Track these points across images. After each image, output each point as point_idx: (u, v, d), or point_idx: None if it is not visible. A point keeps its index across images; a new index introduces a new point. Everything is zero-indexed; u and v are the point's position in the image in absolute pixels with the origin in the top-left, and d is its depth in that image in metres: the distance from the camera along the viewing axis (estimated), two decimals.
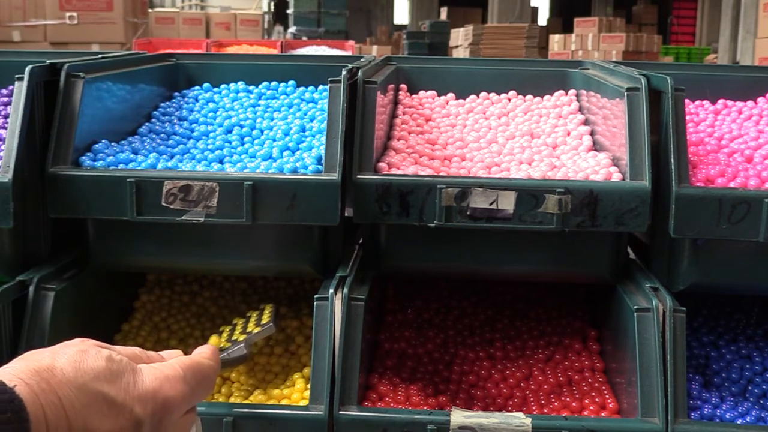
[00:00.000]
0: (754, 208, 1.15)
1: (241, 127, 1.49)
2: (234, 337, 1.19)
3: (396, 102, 1.65)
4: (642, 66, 1.55)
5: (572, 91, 1.67)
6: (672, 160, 1.19)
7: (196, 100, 1.64)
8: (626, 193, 1.18)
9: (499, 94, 1.72)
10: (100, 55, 1.54)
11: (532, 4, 14.09)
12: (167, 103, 1.62)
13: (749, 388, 1.27)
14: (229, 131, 1.48)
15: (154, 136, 1.46)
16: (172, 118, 1.54)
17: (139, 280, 1.56)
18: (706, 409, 1.21)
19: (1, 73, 1.47)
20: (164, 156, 1.35)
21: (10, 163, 1.17)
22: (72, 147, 1.24)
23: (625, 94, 1.28)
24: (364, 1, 21.07)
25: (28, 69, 1.22)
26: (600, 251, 1.28)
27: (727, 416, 1.20)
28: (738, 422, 1.19)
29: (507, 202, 1.17)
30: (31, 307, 1.19)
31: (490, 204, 1.17)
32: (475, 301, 1.54)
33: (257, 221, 1.18)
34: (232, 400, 1.27)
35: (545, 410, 1.25)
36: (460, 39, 11.54)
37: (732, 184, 1.23)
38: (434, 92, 1.73)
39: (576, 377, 1.33)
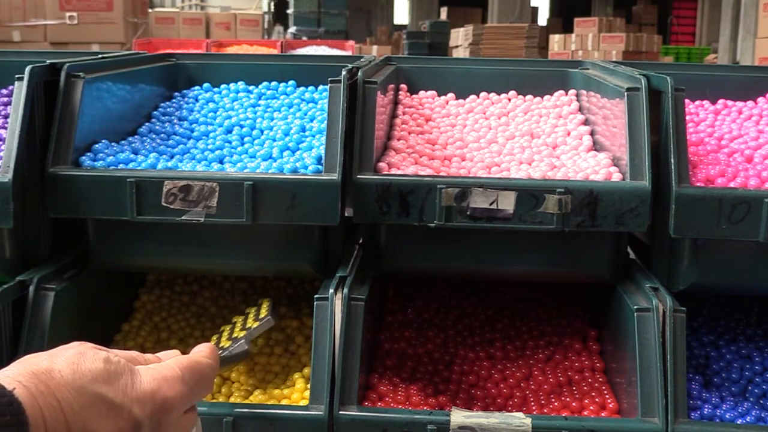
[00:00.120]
0: (754, 208, 1.15)
1: (241, 127, 1.49)
2: (234, 335, 1.19)
3: (396, 102, 1.65)
4: (642, 66, 1.55)
5: (572, 91, 1.67)
6: (672, 160, 1.19)
7: (196, 100, 1.64)
8: (626, 193, 1.18)
9: (499, 94, 1.72)
10: (100, 55, 1.54)
11: (532, 4, 14.09)
12: (167, 103, 1.62)
13: (749, 388, 1.27)
14: (229, 131, 1.48)
15: (154, 136, 1.46)
16: (172, 118, 1.54)
17: (139, 280, 1.56)
18: (706, 409, 1.21)
19: (1, 73, 1.47)
20: (164, 156, 1.35)
21: (10, 163, 1.17)
22: (72, 147, 1.24)
23: (625, 94, 1.28)
24: (364, 1, 21.06)
25: (28, 69, 1.22)
26: (600, 251, 1.28)
27: (727, 416, 1.20)
28: (738, 422, 1.19)
29: (507, 202, 1.17)
30: (31, 307, 1.19)
31: (490, 204, 1.17)
32: (475, 301, 1.54)
33: (257, 221, 1.18)
34: (232, 400, 1.27)
35: (545, 410, 1.25)
36: (460, 39, 11.54)
37: (732, 184, 1.23)
38: (434, 92, 1.73)
39: (576, 377, 1.33)
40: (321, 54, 5.79)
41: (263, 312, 1.22)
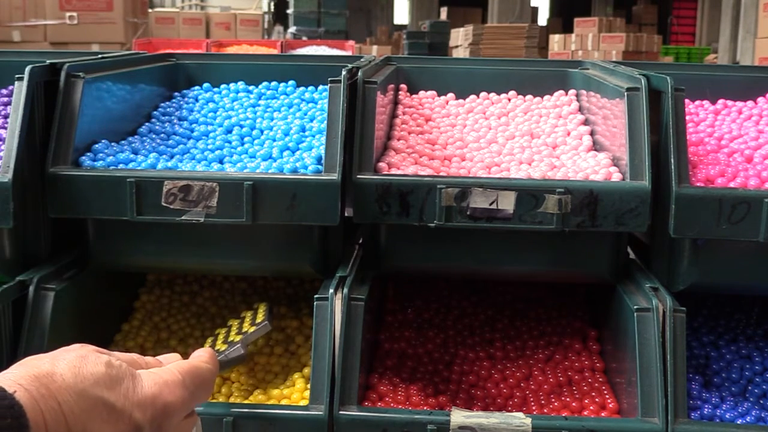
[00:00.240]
0: (754, 208, 1.15)
1: (241, 127, 1.49)
2: (230, 339, 1.19)
3: (396, 102, 1.65)
4: (642, 66, 1.55)
5: (572, 91, 1.67)
6: (672, 160, 1.19)
7: (196, 100, 1.64)
8: (626, 193, 1.18)
9: (499, 94, 1.72)
10: (100, 55, 1.54)
11: (532, 4, 14.09)
12: (167, 103, 1.62)
13: (749, 388, 1.27)
14: (229, 131, 1.48)
15: (154, 136, 1.46)
16: (172, 118, 1.54)
17: (139, 280, 1.56)
18: (706, 409, 1.21)
19: (1, 73, 1.47)
20: (164, 156, 1.35)
21: (10, 163, 1.17)
22: (72, 147, 1.24)
23: (625, 94, 1.28)
24: (364, 1, 21.06)
25: (28, 69, 1.22)
26: (600, 251, 1.28)
27: (727, 416, 1.20)
28: (738, 422, 1.19)
29: (507, 202, 1.17)
30: (31, 307, 1.19)
31: (490, 204, 1.17)
32: (475, 301, 1.54)
33: (257, 221, 1.18)
34: (232, 400, 1.27)
35: (545, 410, 1.25)
36: (460, 39, 11.53)
37: (732, 184, 1.23)
38: (434, 92, 1.73)
39: (576, 377, 1.33)
40: (321, 54, 5.79)
41: (260, 316, 1.22)
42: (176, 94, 1.67)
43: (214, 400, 1.26)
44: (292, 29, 10.60)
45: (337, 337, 1.16)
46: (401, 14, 22.98)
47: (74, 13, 6.55)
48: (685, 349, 1.15)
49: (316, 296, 1.19)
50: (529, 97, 1.71)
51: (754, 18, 8.85)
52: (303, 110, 1.55)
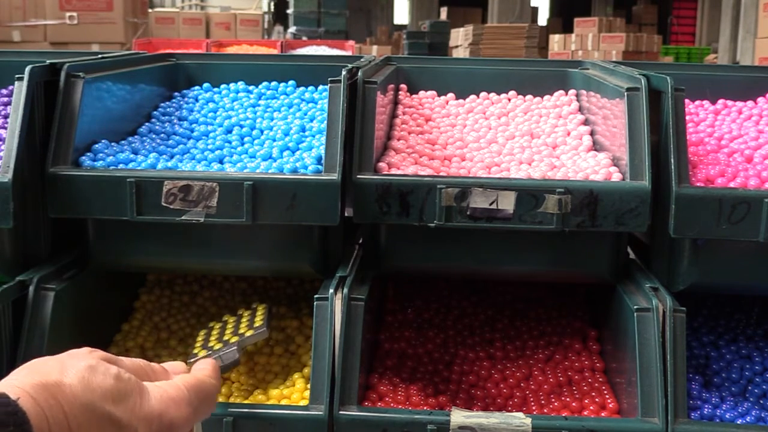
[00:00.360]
0: (754, 208, 1.15)
1: (241, 127, 1.49)
2: (225, 337, 1.18)
3: (396, 102, 1.65)
4: (642, 66, 1.55)
5: (572, 91, 1.67)
6: (672, 160, 1.19)
7: (196, 100, 1.64)
8: (626, 193, 1.18)
9: (499, 94, 1.72)
10: (100, 55, 1.54)
11: (532, 4, 14.09)
12: (167, 103, 1.62)
13: (749, 388, 1.27)
14: (229, 131, 1.48)
15: (154, 136, 1.46)
16: (172, 118, 1.54)
17: (139, 280, 1.56)
18: (706, 409, 1.21)
19: (1, 73, 1.47)
20: (164, 156, 1.35)
21: (10, 163, 1.17)
22: (72, 147, 1.24)
23: (625, 94, 1.28)
24: (364, 1, 21.06)
25: (28, 69, 1.22)
26: (600, 251, 1.28)
27: (727, 416, 1.20)
28: (738, 422, 1.19)
29: (507, 202, 1.17)
30: (31, 307, 1.19)
31: (490, 204, 1.17)
32: (475, 301, 1.54)
33: (257, 221, 1.18)
34: (232, 400, 1.27)
35: (545, 410, 1.25)
36: (460, 39, 11.54)
37: (732, 184, 1.23)
38: (434, 92, 1.73)
39: (576, 377, 1.33)
40: (321, 54, 5.79)
41: (258, 320, 1.22)
42: (176, 94, 1.67)
43: None
44: (292, 29, 10.60)
45: (337, 337, 1.16)
46: (401, 14, 22.98)
47: (74, 13, 6.55)
48: (685, 349, 1.15)
49: (316, 296, 1.19)
50: (529, 97, 1.71)
51: (754, 18, 8.85)
52: (303, 110, 1.55)
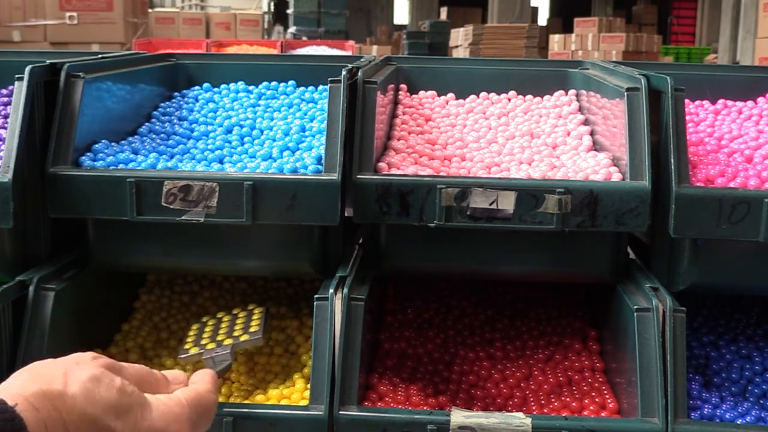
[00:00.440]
0: (754, 208, 1.15)
1: (241, 127, 1.49)
2: (219, 338, 1.18)
3: (396, 102, 1.65)
4: (642, 66, 1.55)
5: (572, 91, 1.67)
6: (672, 160, 1.19)
7: (196, 100, 1.64)
8: (626, 193, 1.18)
9: (499, 94, 1.72)
10: (100, 55, 1.54)
11: (532, 4, 14.08)
12: (167, 103, 1.62)
13: (749, 388, 1.27)
14: (229, 131, 1.48)
15: (154, 136, 1.46)
16: (172, 118, 1.54)
17: (139, 280, 1.56)
18: (706, 409, 1.21)
19: (1, 73, 1.47)
20: (164, 156, 1.35)
21: (10, 163, 1.17)
22: (72, 147, 1.24)
23: (625, 94, 1.28)
24: (364, 1, 21.06)
25: (28, 69, 1.22)
26: (600, 251, 1.28)
27: (727, 416, 1.20)
28: (738, 422, 1.19)
29: (507, 202, 1.17)
30: (31, 307, 1.19)
31: (490, 204, 1.17)
32: (475, 301, 1.54)
33: (257, 221, 1.18)
34: (232, 400, 1.27)
35: (545, 410, 1.25)
36: (460, 39, 11.53)
37: (732, 184, 1.23)
38: (434, 92, 1.73)
39: (576, 377, 1.33)
40: (321, 54, 5.78)
41: (254, 324, 1.21)
42: (176, 94, 1.67)
43: None
44: (292, 29, 10.60)
45: (337, 337, 1.16)
46: (401, 14, 22.97)
47: (74, 13, 6.55)
48: (685, 349, 1.15)
49: (316, 296, 1.19)
50: (529, 97, 1.71)
51: (754, 18, 8.85)
52: (303, 110, 1.55)
